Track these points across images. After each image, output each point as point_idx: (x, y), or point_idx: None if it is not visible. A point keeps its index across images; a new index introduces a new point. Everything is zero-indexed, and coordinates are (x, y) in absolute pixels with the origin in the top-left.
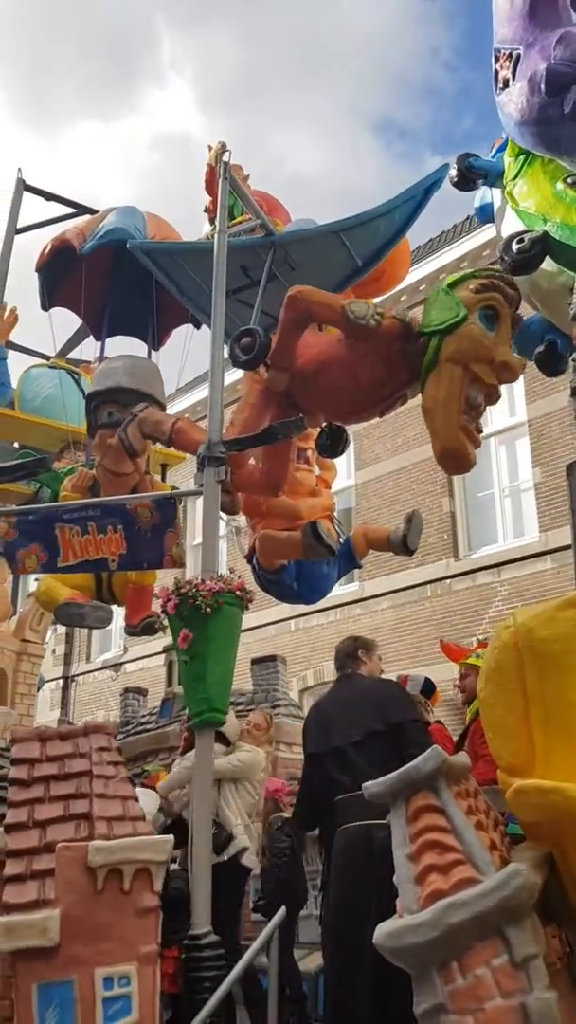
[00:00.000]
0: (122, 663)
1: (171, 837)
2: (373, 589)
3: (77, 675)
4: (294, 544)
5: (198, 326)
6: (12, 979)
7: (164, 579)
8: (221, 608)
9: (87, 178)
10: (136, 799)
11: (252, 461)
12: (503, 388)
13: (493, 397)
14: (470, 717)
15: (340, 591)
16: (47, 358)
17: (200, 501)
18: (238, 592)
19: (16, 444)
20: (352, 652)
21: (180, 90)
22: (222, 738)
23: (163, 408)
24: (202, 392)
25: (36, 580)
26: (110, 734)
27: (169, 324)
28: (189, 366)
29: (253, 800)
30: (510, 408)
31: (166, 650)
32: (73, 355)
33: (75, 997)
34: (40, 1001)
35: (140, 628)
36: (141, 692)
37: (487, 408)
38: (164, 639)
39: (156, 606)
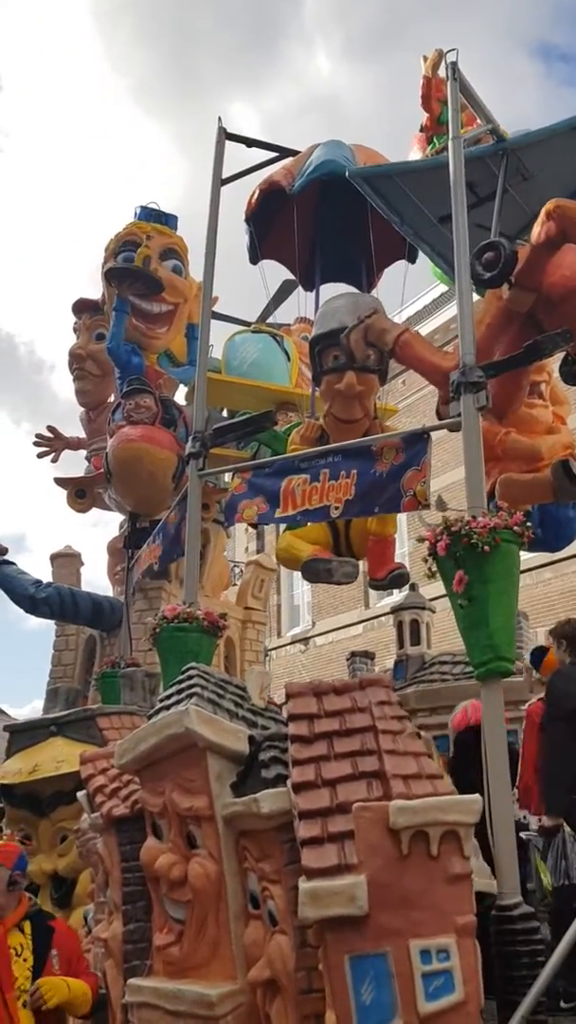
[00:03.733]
0: (309, 637)
1: (479, 797)
2: (563, 551)
3: (270, 649)
4: (541, 485)
5: (413, 260)
6: (317, 950)
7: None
8: (499, 546)
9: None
10: (430, 755)
11: None
12: None
13: None
14: None
15: (525, 555)
16: (248, 324)
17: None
18: (516, 528)
19: (224, 412)
20: None
21: (325, 44)
22: None
23: None
24: (435, 321)
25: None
26: (388, 687)
27: (381, 264)
28: (399, 303)
29: None
30: None
31: (395, 611)
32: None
33: (390, 971)
34: (354, 975)
35: (388, 581)
36: (368, 656)
37: None
38: (353, 610)
39: (403, 551)
